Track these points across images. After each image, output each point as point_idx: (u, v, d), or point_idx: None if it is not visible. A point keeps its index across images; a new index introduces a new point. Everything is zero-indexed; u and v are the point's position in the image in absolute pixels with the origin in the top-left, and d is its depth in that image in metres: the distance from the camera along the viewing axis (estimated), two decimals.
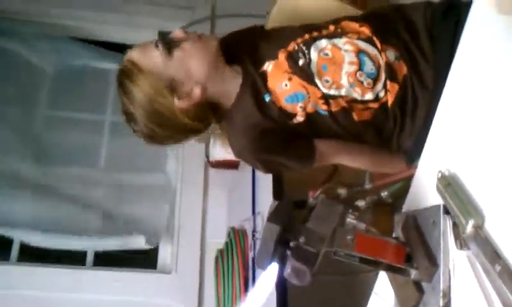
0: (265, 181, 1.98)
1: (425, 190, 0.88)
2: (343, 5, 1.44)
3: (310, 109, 1.29)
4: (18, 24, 2.55)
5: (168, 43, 1.26)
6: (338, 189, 1.00)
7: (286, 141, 1.32)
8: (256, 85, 1.32)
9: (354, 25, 1.31)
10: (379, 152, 1.36)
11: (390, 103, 1.26)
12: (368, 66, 1.25)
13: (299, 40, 1.30)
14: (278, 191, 1.92)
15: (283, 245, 0.82)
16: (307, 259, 0.80)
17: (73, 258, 2.30)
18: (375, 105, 1.27)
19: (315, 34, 1.31)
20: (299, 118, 1.29)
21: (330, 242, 0.83)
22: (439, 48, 1.24)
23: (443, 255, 0.79)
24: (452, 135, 0.83)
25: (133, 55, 1.29)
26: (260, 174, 2.02)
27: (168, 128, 1.32)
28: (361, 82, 1.25)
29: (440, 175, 0.81)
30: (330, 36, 1.30)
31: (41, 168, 2.39)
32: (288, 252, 0.80)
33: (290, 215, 0.85)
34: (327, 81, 1.27)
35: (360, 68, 1.25)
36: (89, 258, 2.32)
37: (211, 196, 2.41)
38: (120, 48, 2.58)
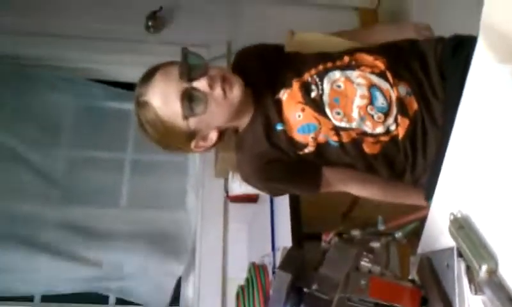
0: (284, 215, 1.98)
1: (438, 232, 0.87)
2: (348, 42, 1.44)
3: (321, 139, 1.29)
4: (40, 69, 2.63)
5: (190, 96, 1.22)
6: (352, 231, 0.99)
7: (292, 170, 1.34)
8: (269, 113, 1.31)
9: (369, 58, 1.31)
10: (393, 183, 1.35)
11: (400, 136, 1.25)
12: (380, 101, 1.25)
13: (313, 71, 1.30)
14: (297, 225, 1.91)
15: (295, 293, 0.81)
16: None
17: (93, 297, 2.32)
18: (386, 139, 1.27)
19: (329, 65, 1.31)
20: (310, 148, 1.31)
21: (344, 288, 0.82)
22: (449, 85, 1.24)
23: (458, 300, 0.78)
24: (464, 177, 0.82)
25: (154, 101, 1.23)
26: (278, 207, 2.03)
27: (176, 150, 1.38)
28: (372, 116, 1.25)
29: (452, 217, 0.80)
30: (344, 68, 1.30)
31: (63, 208, 2.43)
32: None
33: (302, 261, 0.85)
34: (338, 113, 1.27)
35: (371, 102, 1.25)
36: (112, 298, 2.34)
37: (231, 231, 2.42)
38: None
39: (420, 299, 0.84)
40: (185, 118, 1.22)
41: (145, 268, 2.34)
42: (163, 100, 1.22)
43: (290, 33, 1.52)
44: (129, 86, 2.66)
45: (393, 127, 1.26)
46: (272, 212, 2.09)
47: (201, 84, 1.21)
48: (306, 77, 1.31)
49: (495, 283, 0.69)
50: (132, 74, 2.73)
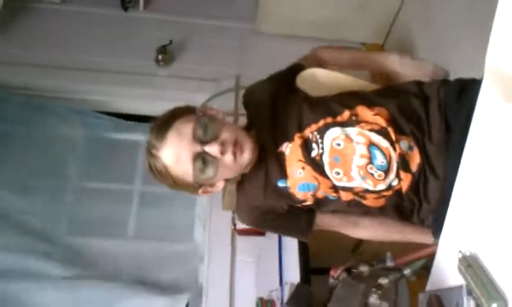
0: (292, 249, 1.97)
1: (447, 270, 0.86)
2: (359, 82, 1.45)
3: (319, 195, 1.33)
4: (48, 100, 2.66)
5: (202, 160, 1.23)
6: (360, 267, 0.99)
7: (286, 222, 1.43)
8: (271, 170, 1.33)
9: (369, 113, 1.28)
10: (400, 223, 1.37)
11: (404, 190, 1.27)
12: (379, 160, 1.24)
13: (313, 127, 1.30)
14: (305, 259, 1.91)
15: None
16: None
17: None
18: (388, 193, 1.28)
19: (329, 120, 1.29)
20: (308, 202, 1.35)
21: None
22: (453, 129, 1.24)
23: None
24: (472, 215, 0.82)
25: (166, 158, 1.25)
26: (286, 241, 2.02)
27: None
28: (372, 175, 1.25)
29: (460, 255, 0.80)
30: (344, 124, 1.28)
31: (71, 239, 2.43)
32: None
33: (309, 298, 0.84)
34: (338, 173, 1.28)
35: (371, 161, 1.24)
36: None
37: (238, 264, 2.39)
38: (147, 120, 2.68)
39: None
40: (196, 177, 1.25)
41: (151, 301, 2.32)
42: (175, 160, 1.24)
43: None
44: (138, 118, 2.70)
45: (395, 182, 1.26)
46: (280, 246, 2.08)
47: (212, 150, 1.23)
48: (307, 132, 1.30)
49: None
50: (142, 106, 2.79)
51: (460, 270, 0.80)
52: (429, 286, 0.93)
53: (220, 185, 1.34)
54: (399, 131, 1.25)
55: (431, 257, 0.94)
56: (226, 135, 1.25)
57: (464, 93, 1.25)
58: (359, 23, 2.89)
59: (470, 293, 0.78)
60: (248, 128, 1.40)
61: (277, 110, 1.38)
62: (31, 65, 2.63)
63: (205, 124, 1.24)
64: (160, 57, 2.71)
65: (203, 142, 1.23)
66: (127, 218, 2.57)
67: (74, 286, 2.29)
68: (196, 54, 2.80)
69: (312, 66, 1.48)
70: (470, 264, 0.78)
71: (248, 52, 2.82)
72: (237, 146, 1.25)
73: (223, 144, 1.23)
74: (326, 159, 1.28)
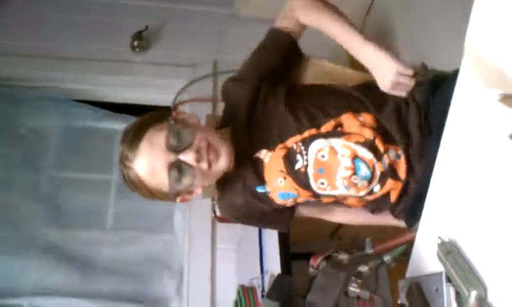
0: (272, 236, 1.96)
1: (426, 256, 0.86)
2: (363, 76, 1.37)
3: (300, 201, 1.35)
4: (22, 90, 2.60)
5: (177, 169, 1.19)
6: (339, 255, 0.98)
7: (266, 218, 1.45)
8: (248, 175, 1.32)
9: (355, 124, 1.24)
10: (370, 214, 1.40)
11: (393, 200, 1.28)
12: (363, 171, 1.23)
13: (298, 138, 1.26)
14: (285, 247, 1.90)
15: None
16: None
17: None
18: (370, 197, 1.29)
19: (313, 131, 1.26)
20: (288, 205, 1.38)
21: None
22: (431, 127, 1.23)
23: None
24: (451, 201, 0.82)
25: (140, 170, 1.20)
26: (266, 230, 2.01)
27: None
28: (356, 184, 1.25)
29: (440, 241, 0.80)
30: (328, 136, 1.25)
31: (49, 231, 2.39)
32: None
33: (290, 289, 0.83)
34: (322, 183, 1.27)
35: (355, 173, 1.23)
36: None
37: (219, 251, 2.38)
38: (123, 109, 2.64)
39: None
40: (172, 187, 1.21)
41: (132, 291, 2.30)
42: (149, 171, 1.20)
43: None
44: (115, 107, 2.66)
45: (377, 188, 1.26)
46: (260, 233, 2.08)
47: (187, 158, 1.19)
48: (291, 143, 1.27)
49: None
50: (119, 94, 2.74)
51: (439, 257, 0.79)
52: (409, 273, 0.92)
53: (198, 191, 1.31)
54: (387, 140, 1.23)
55: (411, 243, 0.94)
56: (200, 141, 1.21)
57: (438, 90, 1.23)
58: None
59: (449, 280, 0.78)
60: (222, 124, 1.38)
61: (255, 114, 1.33)
62: (4, 54, 2.55)
63: (178, 131, 1.20)
64: (136, 43, 2.65)
65: (178, 151, 1.19)
66: (105, 209, 2.54)
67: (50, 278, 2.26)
68: (173, 40, 2.74)
69: (290, 28, 1.38)
70: (449, 251, 0.77)
71: (225, 37, 2.78)
72: (211, 151, 1.22)
73: (198, 151, 1.20)
74: (310, 171, 1.26)
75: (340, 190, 1.27)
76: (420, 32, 2.32)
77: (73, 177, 2.58)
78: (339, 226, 2.10)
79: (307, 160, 1.25)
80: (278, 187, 1.29)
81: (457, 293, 0.76)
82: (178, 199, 1.29)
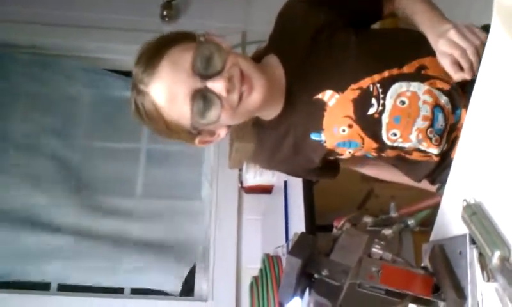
0: (298, 206, 1.97)
1: (451, 219, 0.85)
2: None
3: (359, 153, 1.15)
4: (57, 59, 2.65)
5: (203, 99, 0.99)
6: (364, 218, 0.98)
7: (312, 172, 1.25)
8: (304, 120, 1.11)
9: (440, 67, 1.06)
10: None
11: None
12: (440, 123, 1.07)
13: (376, 78, 1.06)
14: (310, 216, 1.91)
15: (305, 279, 0.81)
16: (330, 293, 0.78)
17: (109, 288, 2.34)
18: (437, 159, 1.13)
19: (395, 71, 1.07)
20: (344, 157, 1.18)
21: (355, 274, 0.81)
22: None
23: (470, 287, 0.76)
24: (478, 163, 0.81)
25: (157, 97, 0.99)
26: (292, 199, 2.02)
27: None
28: (430, 139, 1.08)
29: (465, 204, 0.79)
30: (411, 78, 1.07)
31: (80, 199, 2.46)
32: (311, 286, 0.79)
33: (313, 247, 0.84)
34: (394, 134, 1.08)
35: (432, 125, 1.07)
36: (127, 289, 2.36)
37: (245, 222, 2.42)
38: None
39: (431, 287, 0.82)
40: (194, 121, 1.01)
41: (159, 259, 2.35)
42: (169, 99, 0.99)
43: None
44: None
45: (445, 147, 1.11)
46: (286, 204, 2.08)
47: (217, 86, 0.98)
48: (367, 83, 1.06)
49: (507, 269, 0.68)
50: None
51: (464, 219, 0.78)
52: (433, 237, 0.92)
53: (222, 133, 1.09)
54: (465, 92, 1.07)
55: (436, 208, 0.93)
56: (233, 68, 0.99)
57: None
58: None
59: (473, 242, 0.77)
60: (265, 53, 1.15)
61: (320, 45, 1.10)
62: (35, 23, 2.60)
63: (208, 54, 0.98)
64: (165, 12, 2.67)
65: (206, 77, 0.98)
66: (135, 177, 2.59)
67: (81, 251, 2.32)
68: (201, 9, 2.75)
69: None
70: (474, 212, 0.76)
71: (254, 7, 2.77)
72: (245, 82, 1.00)
73: (229, 80, 0.98)
74: (385, 119, 1.07)
75: (412, 143, 1.09)
76: None
77: (104, 146, 2.63)
78: (367, 197, 2.09)
79: (383, 106, 1.06)
80: (339, 136, 1.09)
81: (481, 255, 0.76)
82: (197, 140, 1.08)
